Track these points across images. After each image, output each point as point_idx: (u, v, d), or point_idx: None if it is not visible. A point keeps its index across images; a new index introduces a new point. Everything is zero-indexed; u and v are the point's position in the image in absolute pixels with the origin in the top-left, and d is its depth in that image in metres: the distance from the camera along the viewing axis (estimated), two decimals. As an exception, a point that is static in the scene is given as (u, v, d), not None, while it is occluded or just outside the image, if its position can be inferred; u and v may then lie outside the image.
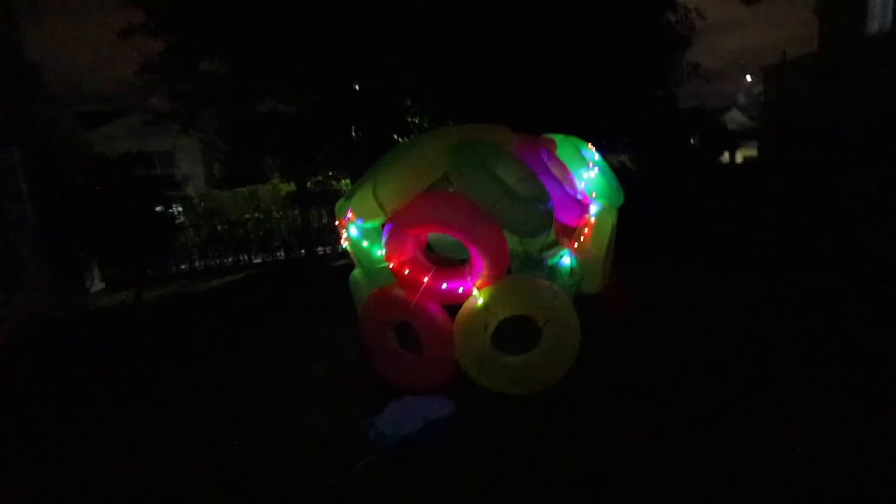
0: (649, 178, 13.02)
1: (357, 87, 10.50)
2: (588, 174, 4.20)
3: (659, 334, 4.22)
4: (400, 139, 10.58)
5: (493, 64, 8.63)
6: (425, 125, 11.34)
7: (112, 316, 7.50)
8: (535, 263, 3.40)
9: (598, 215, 4.07)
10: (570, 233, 3.96)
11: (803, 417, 2.70)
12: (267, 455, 2.86)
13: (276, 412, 3.42)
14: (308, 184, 12.30)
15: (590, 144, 4.57)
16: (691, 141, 15.56)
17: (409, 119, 11.33)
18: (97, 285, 9.02)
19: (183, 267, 11.90)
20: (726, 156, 20.36)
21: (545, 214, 3.00)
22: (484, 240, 2.94)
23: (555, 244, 3.86)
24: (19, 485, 2.88)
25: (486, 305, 2.99)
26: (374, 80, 10.16)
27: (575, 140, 4.47)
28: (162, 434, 3.29)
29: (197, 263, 12.09)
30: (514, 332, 3.25)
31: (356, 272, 4.20)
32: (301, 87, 10.25)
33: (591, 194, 4.14)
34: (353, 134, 10.79)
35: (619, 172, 4.87)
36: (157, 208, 9.78)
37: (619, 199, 4.40)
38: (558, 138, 4.39)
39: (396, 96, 10.59)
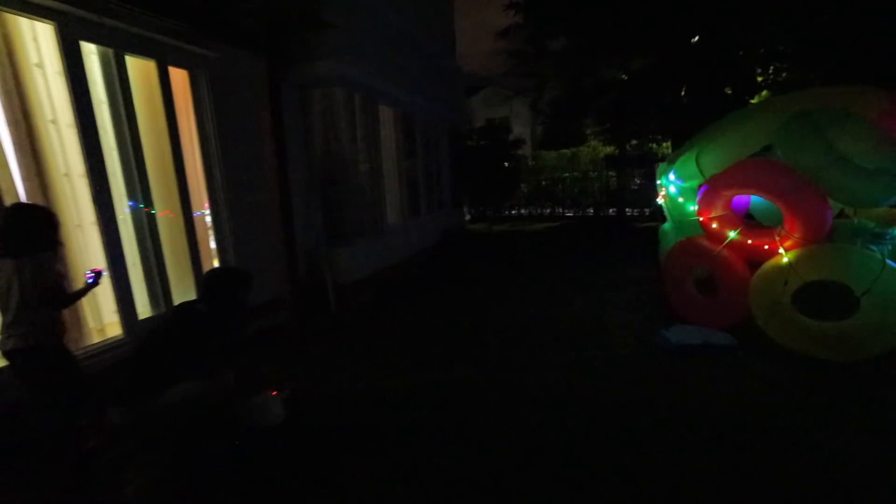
0: None
1: (696, 39, 10.09)
2: None
3: None
4: (743, 98, 9.69)
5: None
6: (779, 79, 9.83)
7: (479, 235, 11.45)
8: (870, 236, 3.33)
9: None
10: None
11: None
12: (591, 340, 4.32)
13: (596, 317, 4.89)
14: (627, 147, 13.03)
15: None
16: None
17: (759, 73, 10.08)
18: (467, 217, 13.18)
19: (513, 212, 15.30)
20: None
21: (887, 185, 2.99)
22: (800, 205, 3.25)
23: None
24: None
25: (790, 264, 3.34)
26: (720, 32, 9.49)
27: None
28: (514, 302, 5.37)
29: (523, 210, 15.25)
30: (830, 298, 3.31)
31: (666, 225, 5.04)
32: (637, 51, 10.73)
33: None
34: (682, 95, 10.60)
35: None
36: (506, 164, 13.01)
37: None
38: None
39: (743, 50, 9.61)
